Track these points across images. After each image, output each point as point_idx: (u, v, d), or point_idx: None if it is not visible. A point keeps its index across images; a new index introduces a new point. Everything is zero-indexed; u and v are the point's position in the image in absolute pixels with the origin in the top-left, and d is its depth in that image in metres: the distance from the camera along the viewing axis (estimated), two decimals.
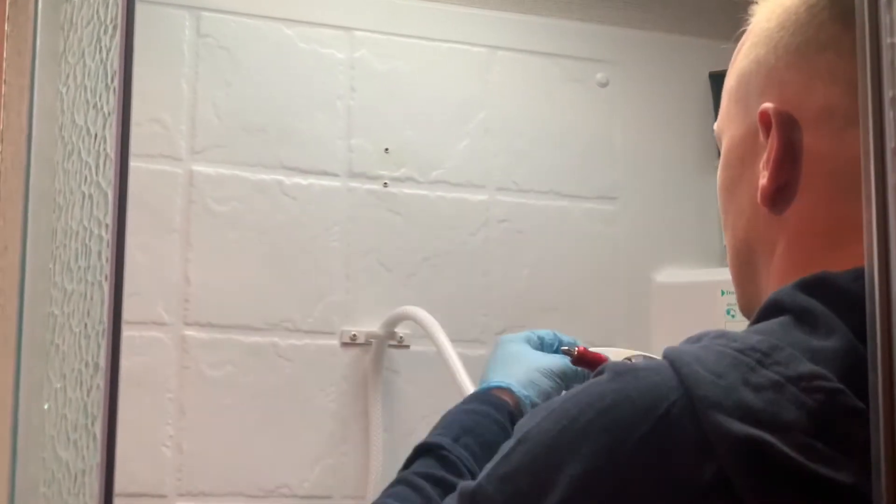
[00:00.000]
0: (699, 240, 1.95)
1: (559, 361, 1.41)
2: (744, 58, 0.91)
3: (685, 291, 1.90)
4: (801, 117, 0.83)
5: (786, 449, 0.68)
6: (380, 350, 1.74)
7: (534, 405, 1.34)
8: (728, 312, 1.83)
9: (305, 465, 1.69)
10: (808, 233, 0.84)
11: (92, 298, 1.02)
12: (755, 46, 0.90)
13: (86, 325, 1.03)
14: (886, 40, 0.64)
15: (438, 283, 1.78)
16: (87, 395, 1.01)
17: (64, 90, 1.16)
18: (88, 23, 1.10)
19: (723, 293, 1.83)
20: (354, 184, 1.75)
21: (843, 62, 0.81)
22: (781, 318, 0.78)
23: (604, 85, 1.92)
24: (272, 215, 1.70)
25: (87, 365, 1.02)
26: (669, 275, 1.92)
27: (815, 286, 0.79)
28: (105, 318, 0.96)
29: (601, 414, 0.73)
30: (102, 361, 0.96)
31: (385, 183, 1.77)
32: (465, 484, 0.81)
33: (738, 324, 1.79)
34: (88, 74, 1.08)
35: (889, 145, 0.63)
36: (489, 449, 1.27)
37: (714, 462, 0.69)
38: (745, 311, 0.92)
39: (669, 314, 1.91)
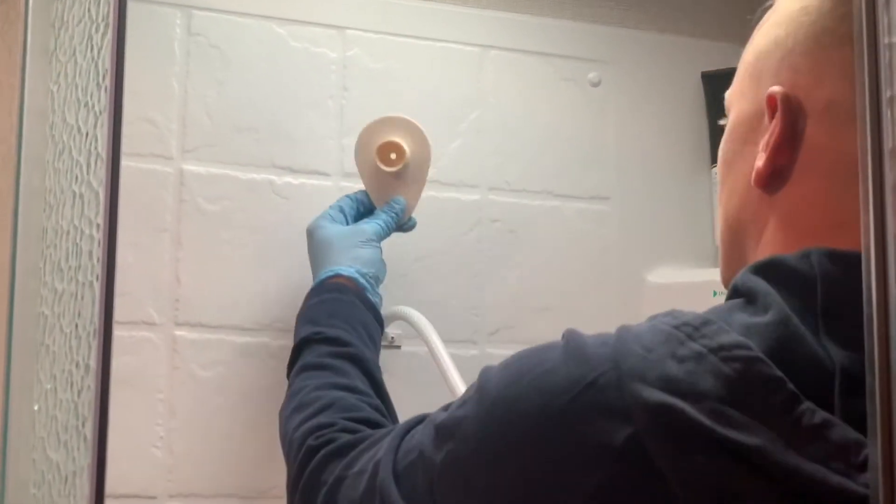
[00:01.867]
0: (692, 240, 1.95)
1: (370, 225, 1.56)
2: (763, 36, 0.92)
3: (678, 291, 1.89)
4: (807, 106, 0.84)
5: (697, 415, 0.72)
6: None
7: (369, 277, 1.52)
8: None
9: None
10: (797, 218, 0.85)
11: (83, 298, 1.01)
12: (776, 26, 0.91)
13: (76, 325, 1.03)
14: (884, 40, 0.64)
15: (430, 284, 1.78)
16: (78, 397, 1.00)
17: (55, 88, 1.15)
18: (80, 21, 1.10)
19: (715, 294, 1.83)
20: (346, 183, 1.74)
21: None
22: (733, 301, 0.82)
23: (596, 84, 1.92)
24: (263, 215, 1.69)
25: (77, 366, 1.01)
26: (662, 275, 1.92)
27: (765, 267, 0.83)
28: (96, 319, 0.96)
29: (539, 377, 0.80)
30: (93, 362, 0.96)
31: None
32: (437, 415, 0.91)
33: None
34: (80, 73, 1.08)
35: (887, 145, 0.63)
36: (360, 326, 1.37)
37: (630, 427, 0.73)
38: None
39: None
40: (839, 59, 0.84)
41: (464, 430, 0.84)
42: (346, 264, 1.50)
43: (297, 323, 1.47)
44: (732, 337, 0.76)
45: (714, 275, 1.87)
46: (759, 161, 0.86)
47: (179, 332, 1.64)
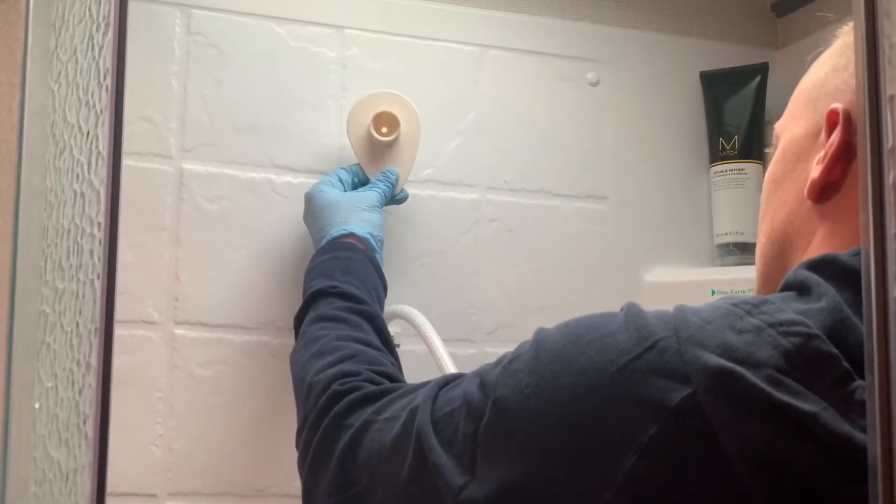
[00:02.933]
0: (690, 239, 1.95)
1: (372, 193, 1.59)
2: (821, 64, 0.98)
3: (676, 291, 1.90)
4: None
5: (755, 380, 0.75)
6: None
7: (378, 239, 1.56)
8: None
9: (296, 464, 1.68)
10: (845, 226, 0.90)
11: (84, 297, 1.01)
12: (835, 55, 0.96)
13: (77, 323, 1.03)
14: (884, 41, 0.64)
15: (429, 283, 1.78)
16: (79, 395, 1.01)
17: (56, 88, 1.15)
18: (80, 20, 1.10)
19: (713, 293, 1.84)
20: None
21: None
22: (786, 293, 0.85)
23: (595, 84, 1.92)
24: (263, 214, 1.70)
25: (78, 364, 1.02)
26: (660, 274, 1.92)
27: (819, 264, 0.86)
28: (97, 317, 0.96)
29: (600, 339, 0.82)
30: (94, 360, 0.96)
31: None
32: (484, 369, 0.93)
33: None
34: (80, 72, 1.08)
35: (887, 144, 0.63)
36: (372, 288, 1.46)
37: (688, 388, 0.76)
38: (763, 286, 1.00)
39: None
40: None
41: (516, 381, 0.86)
42: (358, 225, 1.53)
43: (306, 277, 1.50)
44: (790, 315, 0.79)
45: (712, 274, 1.88)
46: (815, 173, 0.91)
47: (179, 331, 1.64)
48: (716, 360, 0.76)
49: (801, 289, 0.84)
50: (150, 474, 1.61)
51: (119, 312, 1.60)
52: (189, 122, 1.68)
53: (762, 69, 1.95)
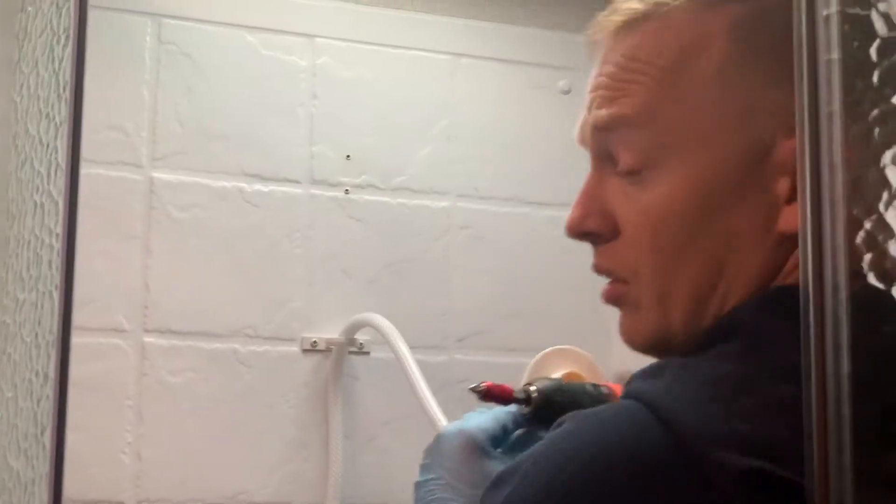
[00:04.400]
0: None
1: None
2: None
3: None
4: None
5: (785, 473, 0.67)
6: (340, 356, 1.74)
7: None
8: None
9: (265, 471, 1.69)
10: None
11: (43, 308, 1.02)
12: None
13: (36, 334, 1.03)
14: (824, 57, 0.65)
15: (400, 290, 1.79)
16: (38, 405, 1.01)
17: (18, 99, 1.16)
18: (42, 32, 1.11)
19: None
20: (316, 191, 1.75)
21: None
22: (738, 339, 0.76)
23: (566, 92, 1.93)
24: (233, 222, 1.70)
25: (37, 375, 1.02)
26: None
27: (775, 301, 0.79)
28: (55, 329, 0.97)
29: (586, 469, 0.71)
30: (52, 372, 0.96)
31: (346, 190, 1.77)
32: None
33: None
34: (41, 84, 1.09)
35: (825, 159, 0.64)
36: None
37: (713, 493, 0.68)
38: (670, 343, 0.85)
39: None
40: None
41: None
42: None
43: None
44: (789, 387, 0.70)
45: None
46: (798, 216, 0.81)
47: (148, 339, 1.65)
48: (740, 462, 0.68)
49: (762, 335, 0.76)
50: (119, 481, 1.61)
51: (88, 321, 1.60)
52: (160, 130, 1.68)
53: None
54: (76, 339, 1.60)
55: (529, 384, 1.02)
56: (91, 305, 1.62)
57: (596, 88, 0.88)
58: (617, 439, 0.71)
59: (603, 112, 0.85)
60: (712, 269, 0.82)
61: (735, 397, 0.71)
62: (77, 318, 1.61)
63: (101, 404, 1.62)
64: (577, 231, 0.86)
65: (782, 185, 0.80)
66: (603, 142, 0.85)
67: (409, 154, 1.81)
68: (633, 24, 0.85)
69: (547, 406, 1.01)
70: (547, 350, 1.37)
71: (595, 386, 1.07)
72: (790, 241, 0.80)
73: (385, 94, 1.81)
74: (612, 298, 0.86)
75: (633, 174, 0.83)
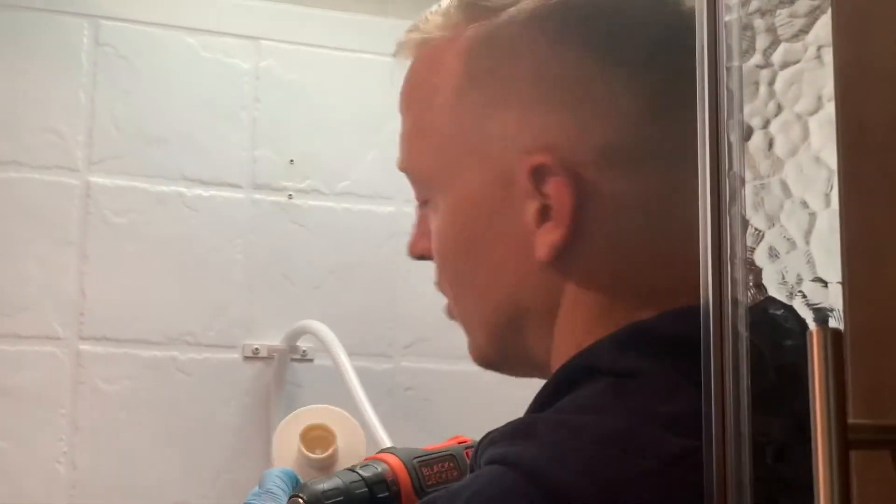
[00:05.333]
0: None
1: None
2: (460, 109, 0.83)
3: None
4: (581, 160, 0.77)
5: None
6: (282, 364, 1.72)
7: None
8: None
9: (206, 480, 1.67)
10: (606, 281, 0.78)
11: None
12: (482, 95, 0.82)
13: None
14: (724, 64, 0.64)
15: (344, 296, 1.77)
16: None
17: None
18: None
19: None
20: (258, 195, 1.73)
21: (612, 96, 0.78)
22: (602, 384, 0.73)
23: None
24: (173, 227, 1.68)
25: None
26: None
27: (633, 339, 0.75)
28: None
29: None
30: None
31: (290, 195, 1.75)
32: None
33: None
34: None
35: (725, 170, 0.63)
36: None
37: None
38: (499, 367, 0.86)
39: None
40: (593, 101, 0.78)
41: None
42: None
43: None
44: (677, 443, 0.69)
45: None
46: (552, 234, 0.77)
47: (84, 346, 1.62)
48: None
49: (628, 378, 0.73)
50: (54, 491, 1.59)
51: (22, 328, 1.58)
52: (97, 134, 1.66)
53: None
54: (10, 348, 1.59)
55: (296, 495, 0.95)
56: (25, 312, 1.60)
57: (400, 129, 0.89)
58: None
59: (398, 161, 0.87)
60: (492, 301, 0.80)
61: (622, 458, 0.67)
62: (11, 325, 1.60)
63: (36, 413, 1.59)
64: (412, 253, 0.89)
65: (529, 212, 0.77)
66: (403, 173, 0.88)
67: (354, 158, 1.79)
68: (412, 53, 0.86)
69: None
70: (282, 421, 1.32)
71: (364, 465, 0.99)
72: (552, 270, 0.77)
73: (329, 98, 1.79)
74: (449, 315, 0.88)
75: (426, 204, 0.85)
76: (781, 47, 0.63)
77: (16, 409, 1.56)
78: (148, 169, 1.68)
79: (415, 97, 0.85)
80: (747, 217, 0.62)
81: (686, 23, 0.73)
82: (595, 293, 0.78)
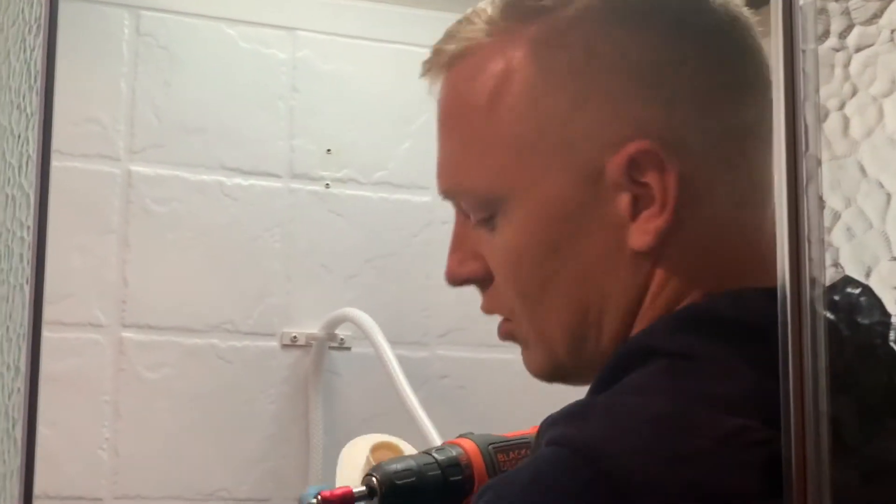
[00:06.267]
0: None
1: None
2: (532, 102, 0.81)
3: None
4: (675, 144, 0.77)
5: None
6: (320, 352, 1.73)
7: None
8: None
9: (244, 467, 1.68)
10: (690, 266, 0.78)
11: (13, 301, 1.01)
12: (555, 88, 0.81)
13: (7, 328, 1.02)
14: (800, 47, 0.64)
15: (380, 285, 1.78)
16: (9, 399, 1.00)
17: None
18: (14, 22, 1.09)
19: None
20: (296, 185, 1.74)
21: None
22: (657, 366, 0.73)
23: None
24: (212, 216, 1.69)
25: (8, 368, 1.01)
26: None
27: (690, 321, 0.76)
28: (25, 322, 0.95)
29: None
30: (23, 365, 0.95)
31: (327, 184, 1.76)
32: None
33: None
34: (13, 75, 1.07)
35: (802, 151, 0.63)
36: None
37: None
38: (569, 376, 0.83)
39: None
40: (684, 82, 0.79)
41: None
42: None
43: None
44: (732, 421, 0.69)
45: None
46: (656, 221, 0.76)
47: (126, 334, 1.63)
48: None
49: (684, 360, 0.73)
50: (96, 478, 1.60)
51: (65, 315, 1.59)
52: (137, 123, 1.67)
53: None
54: (53, 335, 1.60)
55: (370, 474, 0.96)
56: (68, 300, 1.61)
57: (440, 143, 0.85)
58: (558, 495, 0.67)
59: (441, 183, 0.84)
60: (577, 301, 0.79)
61: (677, 437, 0.68)
62: (54, 313, 1.61)
63: (79, 400, 1.60)
64: (456, 279, 0.87)
65: (622, 203, 0.77)
66: (453, 200, 0.85)
67: (390, 148, 1.80)
68: (451, 66, 0.83)
69: (394, 493, 0.94)
70: (347, 445, 1.27)
71: (439, 449, 0.99)
72: (645, 258, 0.78)
73: (366, 88, 1.80)
74: (506, 336, 0.85)
75: (485, 223, 0.81)
76: (856, 30, 0.63)
77: (59, 396, 1.57)
78: (188, 158, 1.69)
79: (465, 112, 0.81)
80: (824, 197, 0.63)
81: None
82: (679, 278, 0.78)
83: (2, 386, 1.02)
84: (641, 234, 0.77)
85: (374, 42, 1.82)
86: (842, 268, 0.62)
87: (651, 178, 0.76)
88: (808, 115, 0.63)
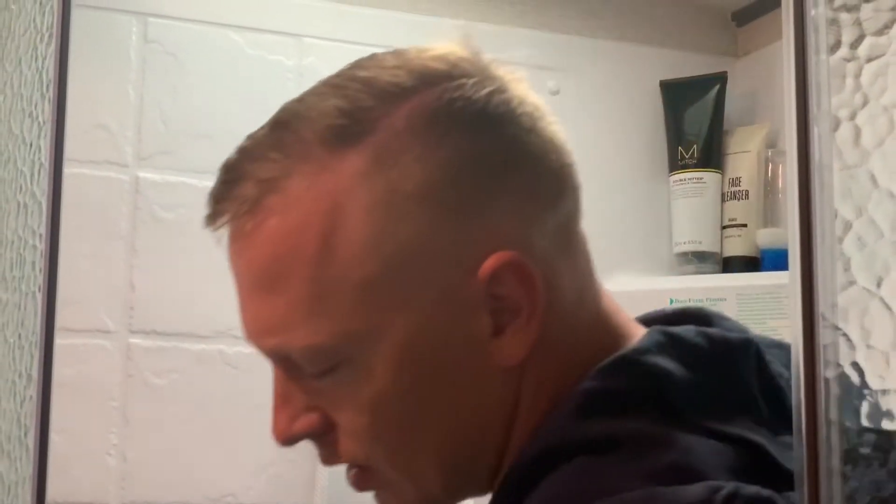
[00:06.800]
0: (649, 248, 1.95)
1: None
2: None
3: (635, 299, 1.87)
4: (530, 250, 0.74)
5: None
6: None
7: None
8: None
9: (251, 473, 1.68)
10: (558, 363, 0.76)
11: (26, 308, 1.01)
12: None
13: (20, 335, 1.02)
14: (812, 58, 0.65)
15: None
16: (21, 407, 1.00)
17: (1, 98, 1.15)
18: (26, 31, 1.10)
19: (672, 301, 1.84)
20: None
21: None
22: (575, 465, 0.69)
23: (555, 93, 1.93)
24: None
25: (20, 376, 1.01)
26: (619, 283, 1.92)
27: (595, 405, 0.72)
28: (38, 329, 0.96)
29: None
30: (35, 372, 0.95)
31: None
32: None
33: None
34: (25, 83, 1.08)
35: (815, 160, 0.64)
36: None
37: None
38: (451, 494, 0.78)
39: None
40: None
41: None
42: None
43: None
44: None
45: (671, 283, 1.88)
46: (526, 333, 0.73)
47: (134, 340, 1.64)
48: None
49: (603, 444, 0.70)
50: (104, 484, 1.61)
51: (72, 321, 1.60)
52: (145, 130, 1.67)
53: (721, 78, 1.96)
54: (60, 341, 1.59)
55: None
56: (75, 306, 1.61)
57: (243, 307, 0.79)
58: None
59: (263, 343, 0.76)
60: (450, 435, 0.74)
61: None
62: (61, 319, 1.60)
63: (86, 406, 1.61)
64: (291, 439, 0.76)
65: (482, 323, 0.72)
66: (279, 358, 0.76)
67: None
68: (253, 213, 0.74)
69: None
70: None
71: None
72: (515, 370, 0.74)
73: None
74: (359, 485, 0.78)
75: (326, 373, 0.73)
76: (867, 41, 0.64)
77: (67, 402, 1.58)
78: (195, 164, 1.69)
79: (288, 265, 0.72)
80: (835, 206, 0.63)
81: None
82: (552, 378, 0.75)
83: (14, 393, 1.02)
84: (512, 349, 0.73)
85: (380, 49, 1.81)
86: (853, 276, 0.62)
87: (513, 290, 0.72)
88: (819, 125, 0.64)
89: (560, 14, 1.95)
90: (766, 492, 0.65)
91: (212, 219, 0.80)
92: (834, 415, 0.59)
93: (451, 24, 1.88)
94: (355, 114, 0.73)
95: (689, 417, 0.71)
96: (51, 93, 0.97)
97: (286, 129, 0.77)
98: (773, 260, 1.85)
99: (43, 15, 1.04)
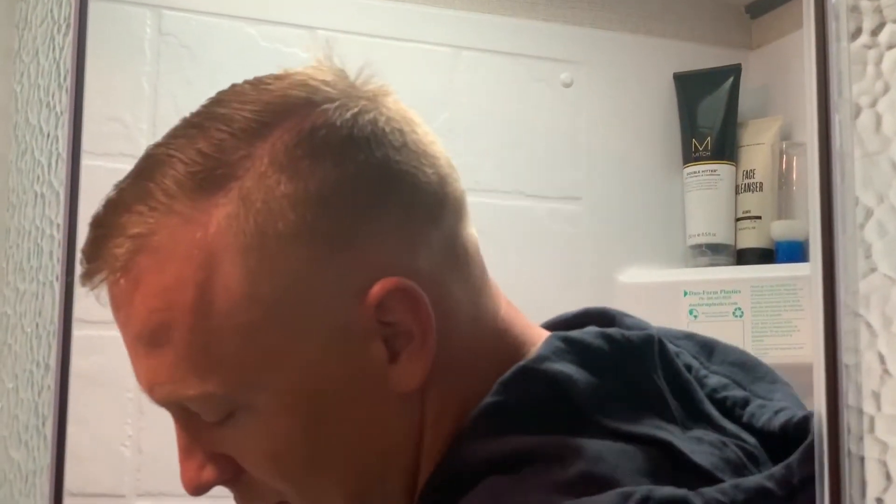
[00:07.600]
0: (663, 240, 1.95)
1: None
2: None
3: (649, 292, 1.90)
4: (417, 275, 0.73)
5: None
6: None
7: None
8: (691, 313, 1.83)
9: None
10: (460, 375, 0.75)
11: (43, 298, 1.01)
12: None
13: (37, 325, 1.03)
14: (833, 45, 0.65)
15: None
16: (38, 396, 1.01)
17: (18, 89, 1.16)
18: (42, 21, 1.10)
19: (685, 293, 1.84)
20: None
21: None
22: (487, 485, 0.69)
23: (568, 85, 1.93)
24: None
25: (38, 365, 1.02)
26: (633, 275, 1.93)
27: (500, 421, 0.72)
28: (56, 319, 0.96)
29: None
30: (53, 362, 0.95)
31: None
32: None
33: (700, 324, 1.80)
34: (42, 73, 1.08)
35: (836, 147, 0.64)
36: None
37: None
38: None
39: (633, 314, 1.92)
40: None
41: None
42: None
43: None
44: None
45: (685, 275, 1.88)
46: (421, 358, 0.72)
47: None
48: None
49: (513, 460, 0.70)
50: (119, 475, 1.61)
51: (88, 312, 1.59)
52: (160, 122, 1.67)
53: (735, 70, 1.96)
54: (76, 332, 1.59)
55: None
56: (91, 297, 1.61)
57: (132, 359, 0.78)
58: None
59: (156, 395, 0.76)
60: (353, 468, 0.74)
61: None
62: (77, 310, 1.60)
63: (102, 397, 1.61)
64: (202, 488, 0.78)
65: (376, 352, 0.71)
66: (171, 405, 0.76)
67: None
68: (127, 270, 0.73)
69: None
70: None
71: None
72: (414, 395, 0.73)
73: None
74: None
75: (224, 420, 0.73)
76: (888, 28, 0.64)
77: (82, 393, 1.58)
78: None
79: (170, 319, 0.71)
80: (856, 193, 0.63)
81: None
82: (454, 396, 0.75)
83: (32, 383, 1.03)
84: (409, 375, 0.72)
85: (395, 41, 1.82)
86: (875, 263, 0.62)
87: (403, 316, 0.71)
88: (840, 112, 0.64)
89: (573, 6, 1.95)
90: (680, 491, 0.65)
91: (87, 277, 0.78)
92: (854, 400, 0.59)
93: (465, 16, 1.88)
94: (216, 156, 0.72)
95: (595, 421, 0.71)
96: (68, 83, 0.98)
97: (150, 179, 0.74)
98: (787, 252, 1.85)
99: (60, 6, 1.04)
